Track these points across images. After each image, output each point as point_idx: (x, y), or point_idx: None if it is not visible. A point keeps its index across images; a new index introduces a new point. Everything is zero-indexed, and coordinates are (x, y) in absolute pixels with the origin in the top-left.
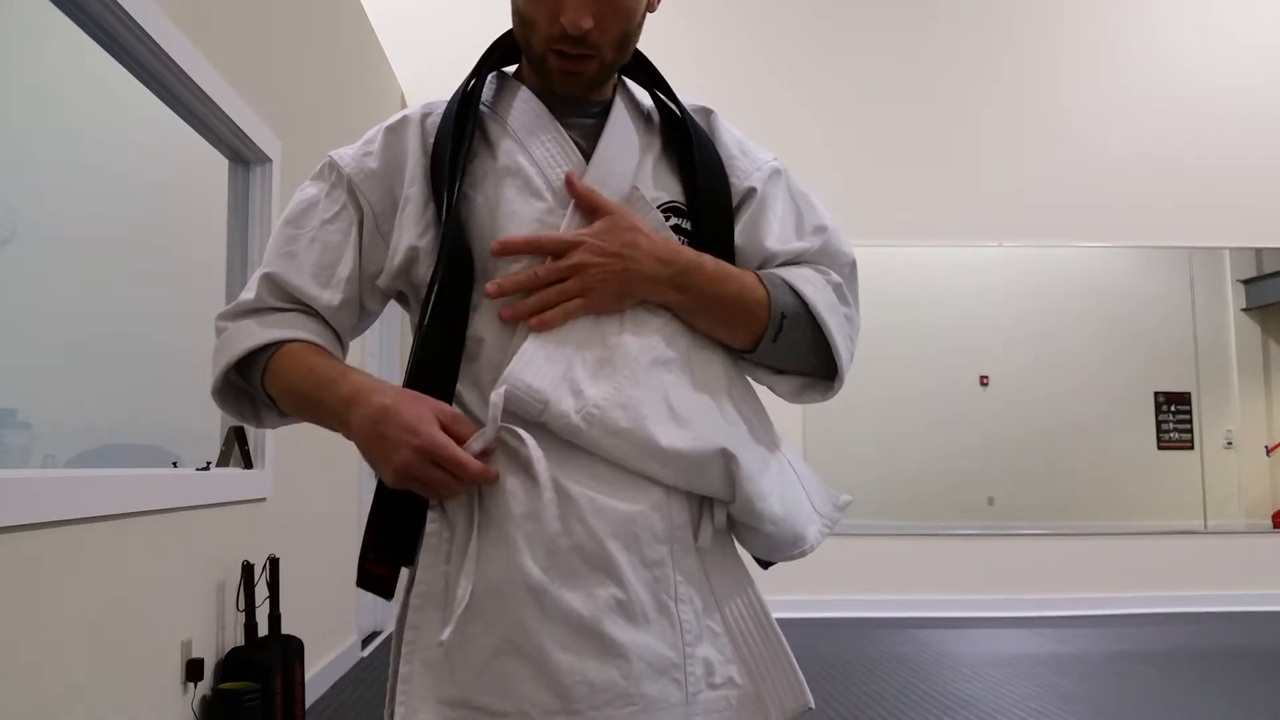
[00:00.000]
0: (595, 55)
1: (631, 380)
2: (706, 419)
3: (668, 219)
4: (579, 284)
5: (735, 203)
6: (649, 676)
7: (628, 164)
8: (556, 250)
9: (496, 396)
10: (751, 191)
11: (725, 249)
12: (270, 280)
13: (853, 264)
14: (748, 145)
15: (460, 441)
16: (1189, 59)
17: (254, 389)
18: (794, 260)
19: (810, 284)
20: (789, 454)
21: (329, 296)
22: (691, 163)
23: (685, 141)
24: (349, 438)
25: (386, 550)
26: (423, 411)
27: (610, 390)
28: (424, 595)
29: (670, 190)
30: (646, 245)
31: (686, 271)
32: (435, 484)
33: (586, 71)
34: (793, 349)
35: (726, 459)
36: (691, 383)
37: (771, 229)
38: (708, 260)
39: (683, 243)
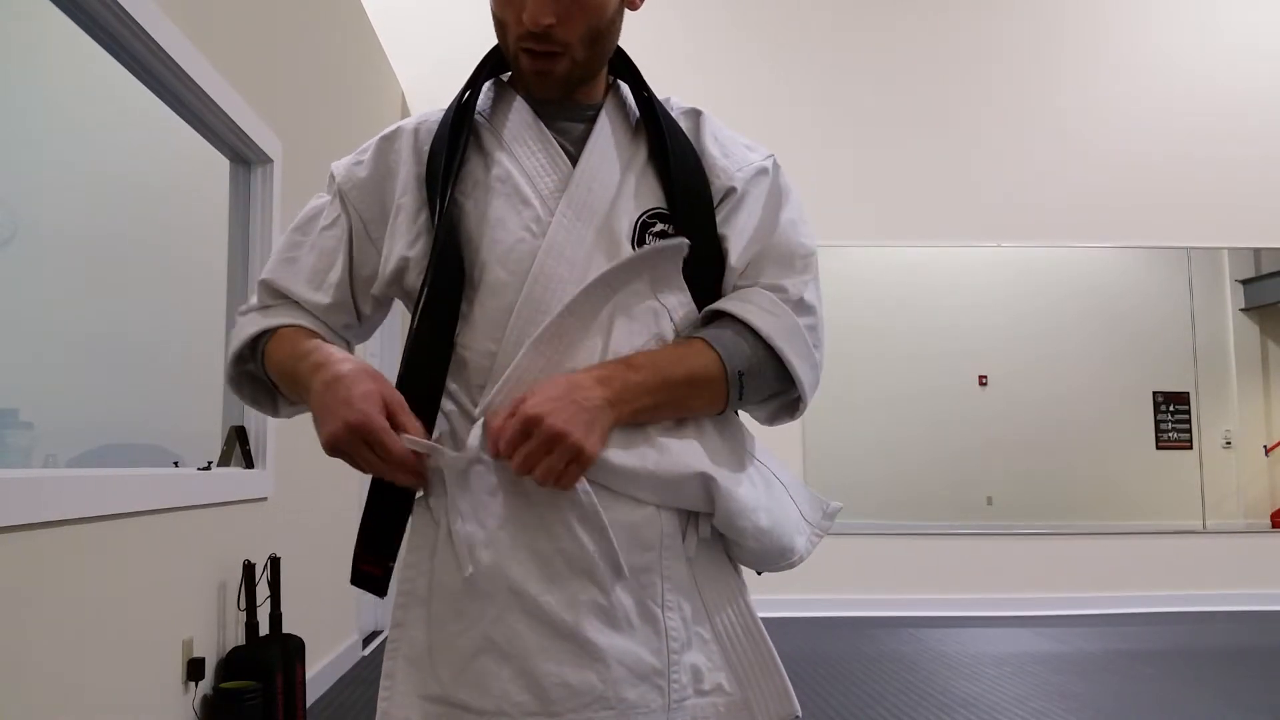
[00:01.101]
0: (564, 52)
1: None
2: (683, 443)
3: (653, 225)
4: (548, 439)
5: (717, 201)
6: (628, 682)
7: (611, 176)
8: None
9: (473, 435)
10: (731, 190)
11: (710, 249)
12: (266, 285)
13: (808, 256)
14: (734, 146)
15: (398, 430)
16: (1189, 59)
17: (265, 377)
18: (752, 263)
19: (765, 313)
20: (774, 465)
21: (319, 297)
22: (669, 172)
23: (663, 149)
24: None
25: (378, 548)
26: (369, 389)
27: None
28: (408, 593)
29: (655, 197)
30: (581, 379)
31: (625, 385)
32: (360, 461)
33: (556, 70)
34: (759, 390)
35: (705, 480)
36: None
37: (744, 232)
38: (639, 360)
39: None
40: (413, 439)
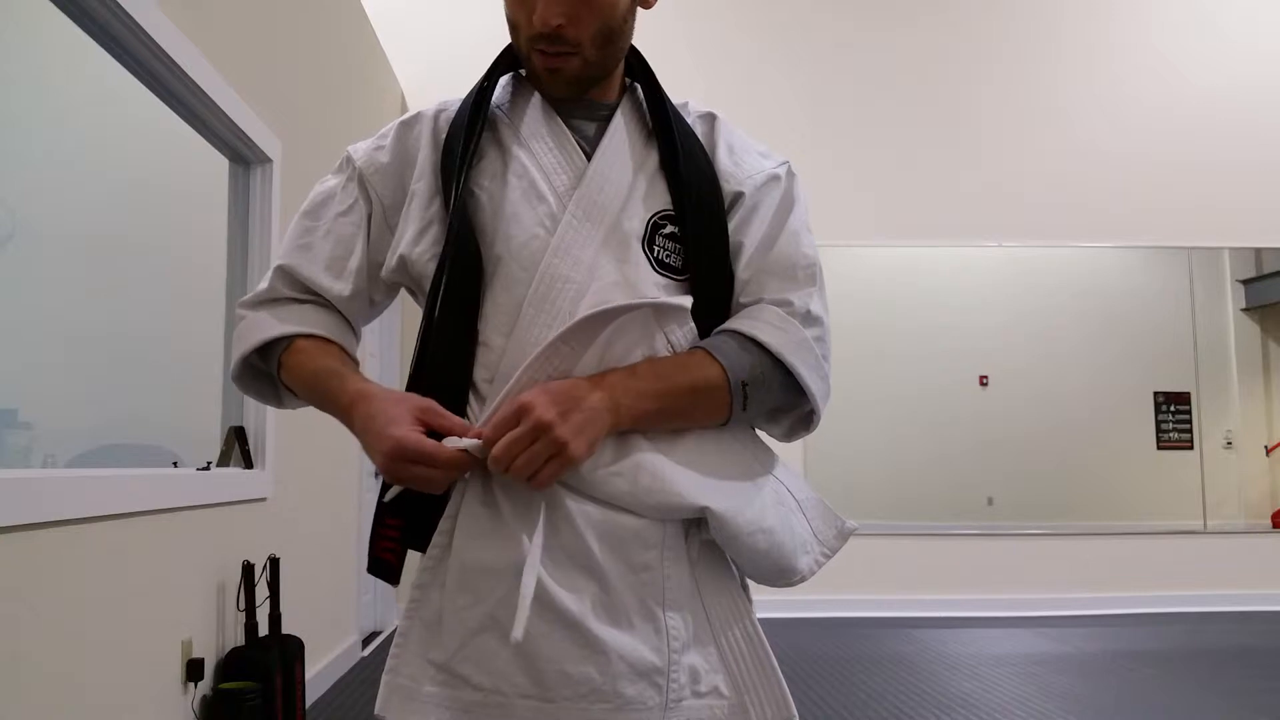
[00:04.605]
0: (576, 52)
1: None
2: (676, 467)
3: (664, 226)
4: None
5: (728, 205)
6: (628, 677)
7: (623, 177)
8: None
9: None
10: (740, 196)
11: (718, 252)
12: (284, 272)
13: (810, 267)
14: (746, 154)
15: (440, 434)
16: (1189, 59)
17: (273, 373)
18: (754, 278)
19: (773, 329)
20: (786, 479)
21: (340, 287)
22: (678, 173)
23: (674, 152)
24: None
25: (406, 538)
26: (397, 414)
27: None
28: (436, 559)
29: (665, 200)
30: (580, 383)
31: (627, 392)
32: (417, 480)
33: (568, 68)
34: (764, 402)
35: (697, 511)
36: (671, 432)
37: (753, 241)
38: (641, 368)
39: (675, 248)
40: (455, 440)
